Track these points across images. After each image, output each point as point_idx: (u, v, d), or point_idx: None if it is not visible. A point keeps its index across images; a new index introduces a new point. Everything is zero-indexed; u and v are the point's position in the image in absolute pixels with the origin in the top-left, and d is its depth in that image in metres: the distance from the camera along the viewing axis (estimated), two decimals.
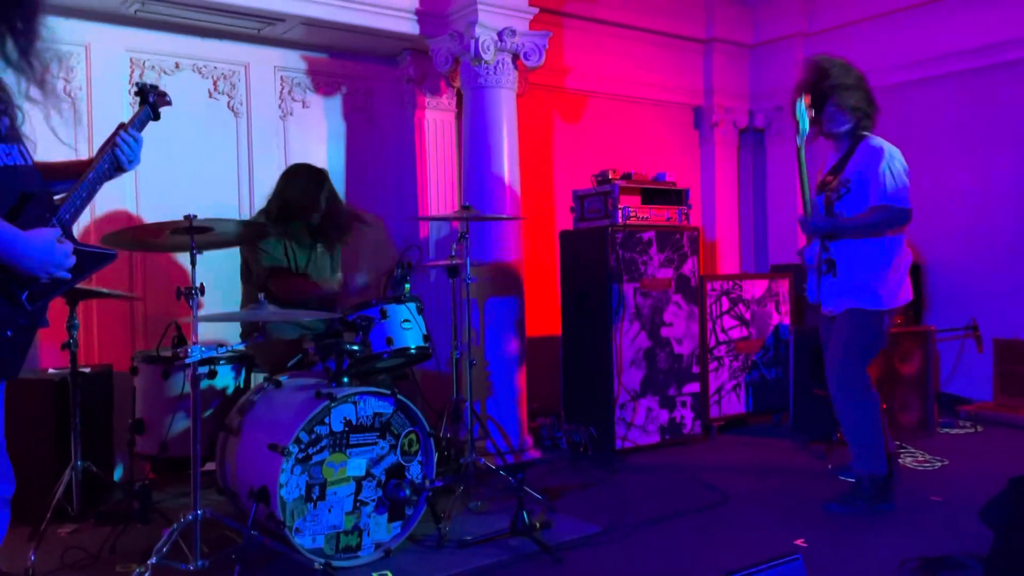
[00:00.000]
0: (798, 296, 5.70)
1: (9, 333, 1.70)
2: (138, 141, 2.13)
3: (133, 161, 2.12)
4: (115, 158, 2.07)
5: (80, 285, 2.87)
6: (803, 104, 3.64)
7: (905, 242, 3.68)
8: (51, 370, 3.82)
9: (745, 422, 5.49)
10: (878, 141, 3.67)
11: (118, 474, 4.10)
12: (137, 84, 2.37)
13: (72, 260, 1.86)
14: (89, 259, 1.96)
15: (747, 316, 5.44)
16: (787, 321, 5.60)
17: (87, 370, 3.74)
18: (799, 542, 3.20)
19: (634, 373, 4.80)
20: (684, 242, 5.01)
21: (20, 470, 3.63)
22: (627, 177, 4.87)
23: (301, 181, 3.98)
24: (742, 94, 6.86)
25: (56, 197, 1.95)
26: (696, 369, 5.05)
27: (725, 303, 5.34)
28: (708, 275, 5.61)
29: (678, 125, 6.72)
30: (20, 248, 1.70)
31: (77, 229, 2.06)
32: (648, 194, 4.93)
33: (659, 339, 4.90)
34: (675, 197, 5.04)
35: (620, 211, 4.75)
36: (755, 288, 5.50)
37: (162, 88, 2.39)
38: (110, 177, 2.11)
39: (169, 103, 2.43)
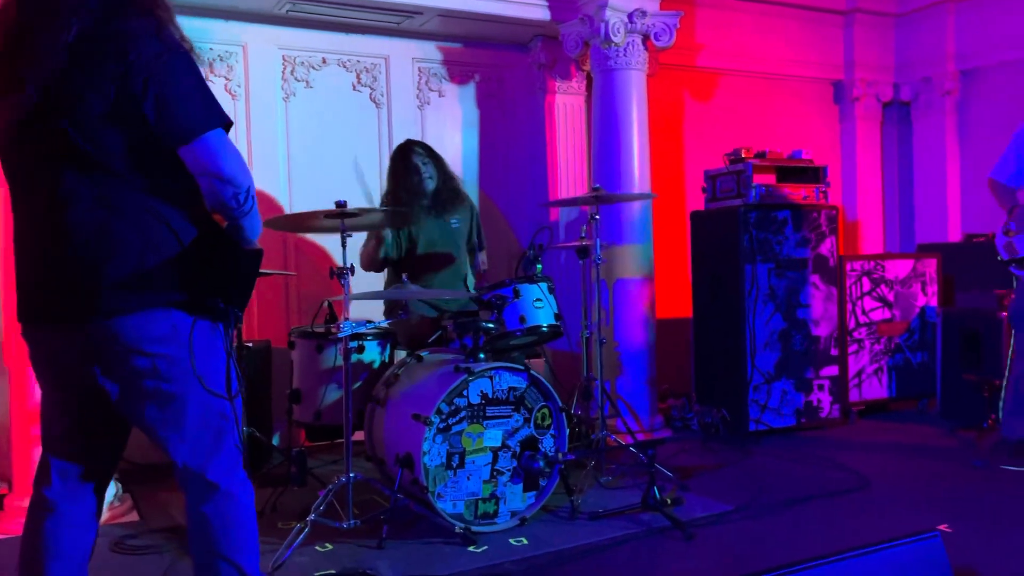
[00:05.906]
0: (947, 276, 5.41)
1: None
2: None
3: None
4: None
5: None
6: None
7: None
8: None
9: (887, 407, 5.29)
10: None
11: (276, 440, 4.45)
12: None
13: None
14: None
15: (890, 297, 5.23)
16: (934, 303, 5.33)
17: (250, 345, 4.08)
18: (942, 527, 3.10)
19: (768, 355, 4.72)
20: (822, 221, 4.87)
21: None
22: (761, 155, 4.78)
23: (396, 160, 4.15)
24: (886, 66, 6.54)
25: None
26: (835, 352, 4.91)
27: (866, 284, 5.15)
28: (848, 255, 5.42)
29: (816, 101, 6.50)
30: None
31: None
32: (783, 172, 4.81)
33: (795, 320, 4.79)
34: (812, 175, 4.89)
35: (753, 190, 4.67)
36: (899, 268, 5.27)
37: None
38: None
39: None
